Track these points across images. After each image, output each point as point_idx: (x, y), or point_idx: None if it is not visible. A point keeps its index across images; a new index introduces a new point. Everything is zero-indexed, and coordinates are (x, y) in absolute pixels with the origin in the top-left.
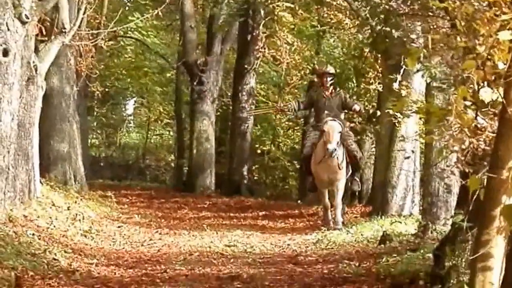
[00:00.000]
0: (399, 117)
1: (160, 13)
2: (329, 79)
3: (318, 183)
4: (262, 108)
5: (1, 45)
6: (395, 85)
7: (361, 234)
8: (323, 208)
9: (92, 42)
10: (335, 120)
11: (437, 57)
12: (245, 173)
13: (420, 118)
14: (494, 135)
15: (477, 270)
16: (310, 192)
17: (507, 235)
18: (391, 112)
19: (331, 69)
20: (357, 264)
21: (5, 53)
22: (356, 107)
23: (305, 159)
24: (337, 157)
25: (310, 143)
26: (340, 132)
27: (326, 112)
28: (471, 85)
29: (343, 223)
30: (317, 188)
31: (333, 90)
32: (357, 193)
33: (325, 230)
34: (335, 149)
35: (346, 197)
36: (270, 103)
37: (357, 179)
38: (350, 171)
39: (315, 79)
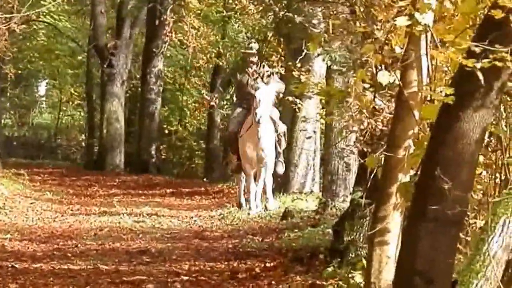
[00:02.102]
0: (299, 103)
1: None
2: (252, 58)
3: (245, 161)
4: None
5: None
6: (295, 72)
7: (265, 211)
8: (247, 187)
9: (5, 26)
10: (265, 87)
11: (337, 41)
12: (153, 152)
13: (321, 100)
14: (391, 116)
15: (374, 244)
16: (233, 174)
17: (403, 211)
18: (290, 98)
19: (253, 47)
20: (260, 239)
21: None
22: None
23: (230, 137)
24: (264, 131)
25: (236, 120)
26: (272, 101)
27: (249, 89)
28: (370, 68)
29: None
30: (242, 169)
31: (259, 69)
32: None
33: (230, 207)
34: (263, 116)
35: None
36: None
37: (281, 161)
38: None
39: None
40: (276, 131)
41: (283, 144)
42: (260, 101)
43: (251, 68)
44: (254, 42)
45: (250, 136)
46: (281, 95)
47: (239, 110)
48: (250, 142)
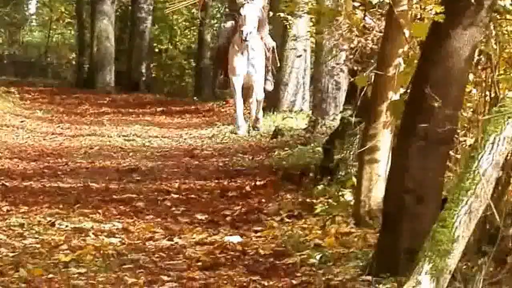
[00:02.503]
0: (290, 19)
1: None
2: None
3: (234, 77)
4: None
5: None
6: None
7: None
8: (235, 105)
9: None
10: (251, 4)
11: None
12: (143, 70)
13: (311, 19)
14: (382, 34)
15: (364, 162)
16: (220, 90)
17: (393, 129)
18: (282, 14)
19: None
20: (250, 158)
21: None
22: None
23: (218, 51)
24: (252, 47)
25: (225, 34)
26: (258, 16)
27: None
28: None
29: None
30: (229, 85)
31: None
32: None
33: (220, 125)
34: (250, 33)
35: None
36: None
37: (271, 78)
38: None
39: None
40: (266, 46)
41: (273, 61)
42: (245, 17)
43: None
44: None
45: (238, 51)
46: (270, 13)
47: (229, 23)
48: (238, 58)
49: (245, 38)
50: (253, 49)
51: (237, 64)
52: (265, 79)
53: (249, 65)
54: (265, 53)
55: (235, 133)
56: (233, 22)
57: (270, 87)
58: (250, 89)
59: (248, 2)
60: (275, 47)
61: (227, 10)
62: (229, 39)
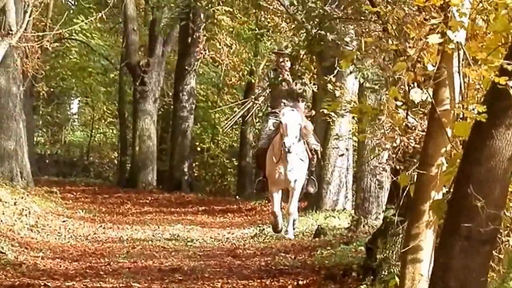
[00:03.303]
0: (333, 116)
1: (103, 16)
2: (284, 61)
3: (271, 183)
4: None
5: None
6: (329, 86)
7: (297, 228)
8: (272, 214)
9: (38, 44)
10: (293, 110)
11: (369, 59)
12: (185, 169)
13: (354, 118)
14: (424, 133)
15: (407, 262)
16: (257, 191)
17: (436, 228)
18: (325, 111)
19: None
20: (293, 257)
21: None
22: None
23: (259, 153)
24: (296, 154)
25: (266, 134)
26: (299, 124)
27: (283, 99)
28: (402, 86)
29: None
30: (267, 188)
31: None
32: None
33: (262, 224)
34: (293, 144)
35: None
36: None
37: (314, 179)
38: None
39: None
40: (309, 148)
41: (317, 163)
42: (287, 126)
43: (283, 73)
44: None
45: (277, 158)
46: (313, 112)
47: (271, 122)
48: (277, 165)
49: (288, 150)
50: (294, 157)
51: (275, 171)
52: (308, 182)
53: (287, 174)
54: (308, 156)
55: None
56: (275, 121)
57: (312, 189)
58: (292, 195)
59: (289, 108)
60: (319, 150)
61: (269, 108)
62: (270, 140)
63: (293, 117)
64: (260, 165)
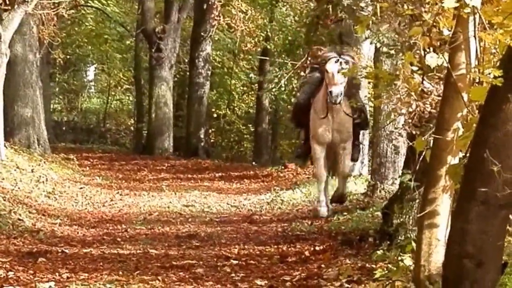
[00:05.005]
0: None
1: None
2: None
3: (316, 142)
4: None
5: None
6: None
7: (314, 194)
8: (317, 181)
9: (54, 11)
10: (340, 59)
11: (385, 24)
12: (202, 136)
13: (369, 83)
14: (440, 98)
15: (424, 227)
16: (299, 158)
17: (452, 193)
18: None
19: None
20: (309, 223)
21: None
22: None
23: (298, 110)
24: (339, 111)
25: (309, 88)
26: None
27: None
28: (418, 51)
29: (342, 202)
30: (310, 152)
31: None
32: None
33: (278, 190)
34: (341, 94)
35: None
36: None
37: (359, 145)
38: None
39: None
40: (356, 108)
41: (365, 124)
42: (333, 75)
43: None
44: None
45: (322, 115)
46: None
47: (315, 76)
48: (322, 123)
49: (335, 101)
50: (340, 113)
51: (321, 130)
52: (353, 146)
53: (334, 132)
54: (354, 116)
55: (316, 215)
56: (319, 75)
57: (357, 155)
58: (336, 161)
59: (335, 59)
60: (365, 108)
61: (310, 61)
62: (312, 95)
63: (340, 66)
64: (300, 123)
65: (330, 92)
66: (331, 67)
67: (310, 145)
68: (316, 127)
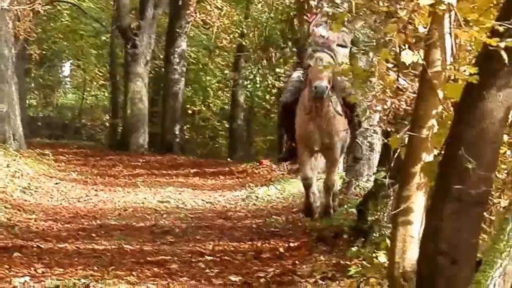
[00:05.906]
0: None
1: None
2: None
3: (302, 144)
4: None
5: None
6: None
7: (288, 191)
8: (303, 184)
9: (29, 7)
10: (324, 51)
11: (360, 21)
12: (177, 132)
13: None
14: (415, 95)
15: (398, 224)
16: (282, 161)
17: (427, 190)
18: None
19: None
20: (284, 219)
21: None
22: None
23: (284, 109)
24: (331, 101)
25: (293, 87)
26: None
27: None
28: (393, 48)
29: (334, 210)
30: (296, 155)
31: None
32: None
33: (253, 186)
34: (327, 88)
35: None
36: None
37: (359, 142)
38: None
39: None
40: (345, 103)
41: (357, 122)
42: (316, 71)
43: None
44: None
45: (308, 114)
46: None
47: (296, 74)
48: (308, 123)
49: (321, 95)
50: (329, 111)
51: (307, 129)
52: (352, 143)
53: (323, 132)
54: (346, 112)
55: (309, 215)
56: (302, 73)
57: (359, 153)
58: (330, 163)
59: (319, 50)
60: (356, 104)
61: (295, 58)
62: (297, 95)
63: (325, 59)
64: (285, 124)
65: (314, 87)
66: (314, 61)
67: (294, 146)
68: (301, 127)
